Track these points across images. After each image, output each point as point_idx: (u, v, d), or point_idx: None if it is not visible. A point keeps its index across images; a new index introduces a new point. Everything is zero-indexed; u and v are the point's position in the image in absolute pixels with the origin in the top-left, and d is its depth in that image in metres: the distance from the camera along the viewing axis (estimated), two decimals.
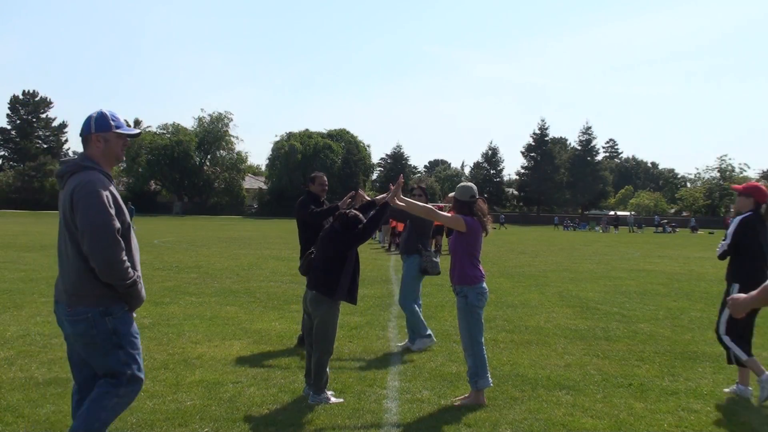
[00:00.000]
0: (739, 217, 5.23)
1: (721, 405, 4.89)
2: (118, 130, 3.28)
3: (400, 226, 20.22)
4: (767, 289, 2.85)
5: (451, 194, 5.10)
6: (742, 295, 2.95)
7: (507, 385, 5.25)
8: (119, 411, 3.28)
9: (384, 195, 5.27)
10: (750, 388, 5.10)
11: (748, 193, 5.24)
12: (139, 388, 3.29)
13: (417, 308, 6.63)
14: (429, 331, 6.61)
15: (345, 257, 4.81)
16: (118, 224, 3.09)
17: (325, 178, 6.66)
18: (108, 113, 3.28)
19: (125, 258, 3.10)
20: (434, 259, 6.61)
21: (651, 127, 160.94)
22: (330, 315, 4.80)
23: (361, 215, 4.95)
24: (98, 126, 3.25)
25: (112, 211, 3.09)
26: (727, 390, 5.21)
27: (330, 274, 4.78)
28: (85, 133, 3.27)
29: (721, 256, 5.26)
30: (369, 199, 5.58)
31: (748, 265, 5.11)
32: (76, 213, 3.05)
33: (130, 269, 3.12)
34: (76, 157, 3.30)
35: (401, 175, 5.82)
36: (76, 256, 3.10)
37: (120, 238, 3.08)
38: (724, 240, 5.24)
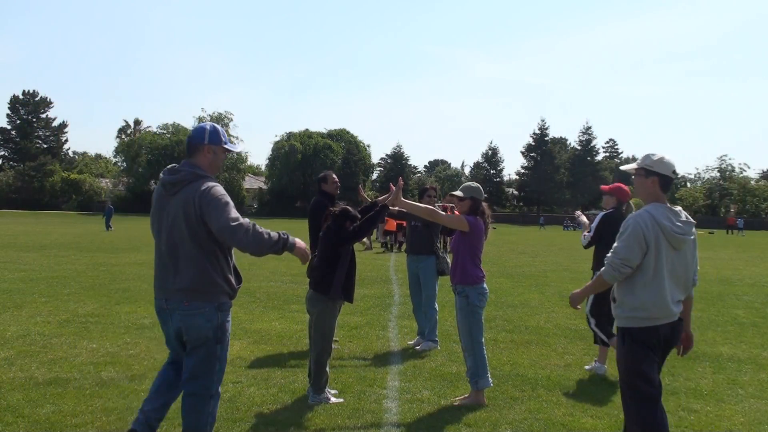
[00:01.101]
0: (602, 213, 5.80)
1: (721, 404, 4.90)
2: (225, 146, 3.55)
3: (391, 225, 20.17)
4: (599, 279, 3.45)
5: (457, 192, 5.06)
6: (578, 290, 3.62)
7: (507, 385, 5.25)
8: (215, 411, 3.55)
9: (385, 196, 5.26)
10: (606, 366, 5.65)
11: (612, 193, 5.78)
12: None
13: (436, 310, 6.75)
14: (436, 337, 6.73)
15: (338, 255, 4.80)
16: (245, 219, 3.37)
17: (335, 176, 6.52)
18: (219, 129, 3.55)
19: (263, 230, 3.39)
20: (447, 260, 6.63)
21: (651, 127, 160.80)
22: (326, 313, 4.79)
23: (351, 210, 4.92)
24: (211, 139, 3.49)
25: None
26: (587, 367, 5.81)
27: (325, 272, 4.78)
28: (197, 142, 3.48)
29: (587, 246, 5.81)
30: (366, 197, 5.58)
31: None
32: (210, 217, 3.29)
33: (272, 234, 3.41)
34: (186, 166, 3.46)
35: (401, 177, 5.80)
36: (198, 254, 3.34)
37: (252, 224, 3.36)
38: (588, 232, 5.78)
